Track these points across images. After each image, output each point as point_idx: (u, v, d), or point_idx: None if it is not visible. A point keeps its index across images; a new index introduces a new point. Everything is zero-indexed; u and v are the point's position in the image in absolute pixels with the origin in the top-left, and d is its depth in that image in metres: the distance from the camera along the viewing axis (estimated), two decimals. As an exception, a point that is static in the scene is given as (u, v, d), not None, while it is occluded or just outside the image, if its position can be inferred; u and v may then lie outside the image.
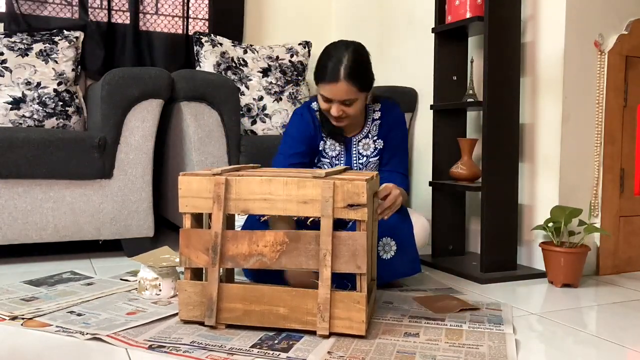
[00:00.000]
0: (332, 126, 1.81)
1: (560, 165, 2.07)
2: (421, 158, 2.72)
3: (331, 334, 1.34)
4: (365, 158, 1.86)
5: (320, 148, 1.85)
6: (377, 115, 1.87)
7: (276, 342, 1.31)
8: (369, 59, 1.76)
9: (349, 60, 1.66)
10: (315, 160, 1.87)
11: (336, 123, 1.77)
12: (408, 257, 1.77)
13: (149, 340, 1.30)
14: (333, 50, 1.70)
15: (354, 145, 1.86)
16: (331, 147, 1.84)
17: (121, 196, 2.23)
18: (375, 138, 1.86)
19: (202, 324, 1.41)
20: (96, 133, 2.19)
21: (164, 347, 1.27)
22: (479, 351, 1.28)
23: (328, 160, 1.86)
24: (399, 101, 2.72)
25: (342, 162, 1.86)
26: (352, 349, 1.28)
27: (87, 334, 1.35)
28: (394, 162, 1.87)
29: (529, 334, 1.44)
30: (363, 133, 1.86)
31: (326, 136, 1.84)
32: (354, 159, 1.86)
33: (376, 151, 1.86)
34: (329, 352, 1.25)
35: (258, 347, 1.28)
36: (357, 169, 1.87)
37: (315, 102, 1.85)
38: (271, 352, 1.25)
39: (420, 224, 1.82)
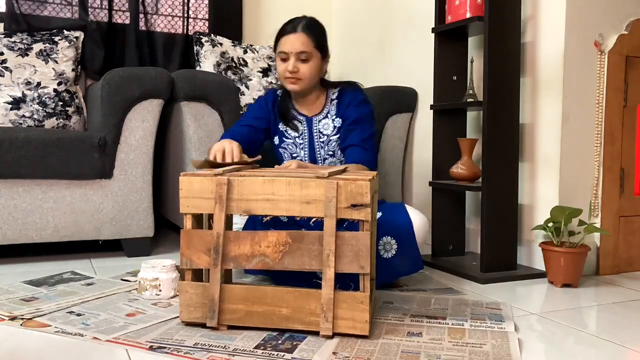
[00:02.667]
0: (289, 108, 1.93)
1: (560, 165, 2.08)
2: (421, 158, 2.72)
3: (334, 334, 1.34)
4: (326, 137, 1.91)
5: (282, 129, 1.94)
6: (335, 95, 1.93)
7: (280, 342, 1.31)
8: (325, 30, 1.92)
9: (307, 19, 1.86)
10: (278, 142, 1.95)
11: (291, 85, 1.85)
12: (409, 256, 1.77)
13: (151, 342, 1.30)
14: (294, 18, 1.88)
15: (315, 125, 1.91)
16: (293, 127, 1.93)
17: (121, 196, 2.23)
18: (334, 117, 1.91)
19: (203, 325, 1.41)
20: (96, 133, 2.19)
21: (165, 347, 1.27)
22: (482, 350, 1.29)
23: (291, 140, 1.93)
24: (399, 101, 2.73)
25: (305, 141, 1.92)
26: (356, 349, 1.28)
27: (85, 336, 1.35)
28: (351, 137, 1.87)
29: (529, 334, 1.44)
30: (323, 113, 1.92)
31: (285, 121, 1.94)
32: (316, 137, 1.91)
33: (335, 129, 1.91)
34: (334, 353, 1.25)
35: (262, 347, 1.27)
36: (318, 148, 1.91)
37: (280, 90, 1.99)
38: (275, 352, 1.25)
39: (419, 221, 1.82)
